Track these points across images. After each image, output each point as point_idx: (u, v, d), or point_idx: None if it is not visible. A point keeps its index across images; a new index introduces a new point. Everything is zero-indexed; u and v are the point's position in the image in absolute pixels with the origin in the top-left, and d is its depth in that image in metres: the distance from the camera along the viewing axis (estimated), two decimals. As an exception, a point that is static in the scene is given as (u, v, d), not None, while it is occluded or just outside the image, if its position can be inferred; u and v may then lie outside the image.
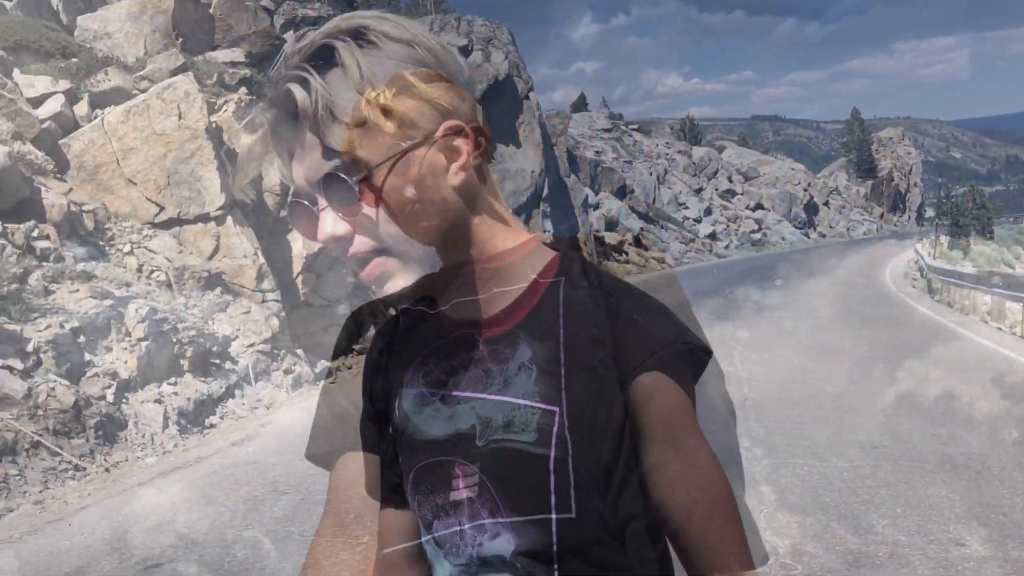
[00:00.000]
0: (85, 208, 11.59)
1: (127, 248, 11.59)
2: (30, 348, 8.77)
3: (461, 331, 1.08)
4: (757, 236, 67.98)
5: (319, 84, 0.94)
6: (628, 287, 1.07)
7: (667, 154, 70.74)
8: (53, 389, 8.51)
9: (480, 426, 1.04)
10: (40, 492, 7.24)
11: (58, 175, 11.96)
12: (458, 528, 1.07)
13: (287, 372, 11.79)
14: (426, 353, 1.11)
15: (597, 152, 55.09)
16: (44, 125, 12.07)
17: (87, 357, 9.29)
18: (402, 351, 1.15)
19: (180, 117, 11.94)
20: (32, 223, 10.52)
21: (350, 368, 1.94)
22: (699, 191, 67.63)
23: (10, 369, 8.48)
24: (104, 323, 9.69)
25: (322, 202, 0.96)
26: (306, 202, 0.98)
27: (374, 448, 1.20)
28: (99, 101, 12.75)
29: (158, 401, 9.50)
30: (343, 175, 0.94)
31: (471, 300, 1.06)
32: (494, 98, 27.19)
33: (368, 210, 0.96)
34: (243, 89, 14.60)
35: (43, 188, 11.15)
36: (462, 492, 1.06)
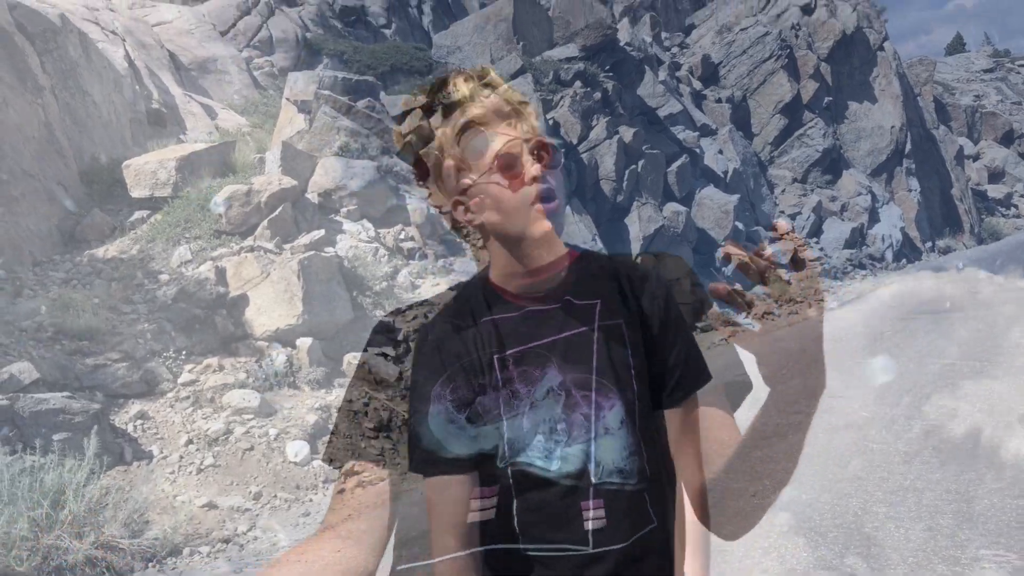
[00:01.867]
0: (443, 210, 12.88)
1: (480, 243, 12.70)
2: (400, 337, 9.99)
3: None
4: None
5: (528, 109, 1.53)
6: None
7: (1068, 88, 61.42)
8: (418, 373, 9.65)
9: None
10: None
11: (421, 182, 13.38)
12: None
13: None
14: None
15: (976, 96, 49.41)
16: (407, 138, 13.55)
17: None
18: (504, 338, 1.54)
19: (518, 117, 12.81)
20: (399, 227, 11.93)
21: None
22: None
23: (384, 356, 9.75)
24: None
25: (529, 158, 1.46)
26: (515, 154, 1.47)
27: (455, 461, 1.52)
28: (449, 110, 14.03)
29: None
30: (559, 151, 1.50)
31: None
32: (842, 55, 25.60)
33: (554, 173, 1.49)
34: (578, 83, 15.23)
35: (407, 195, 12.57)
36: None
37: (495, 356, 1.51)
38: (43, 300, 9.36)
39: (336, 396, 9.25)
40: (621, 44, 18.46)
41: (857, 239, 22.96)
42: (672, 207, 16.50)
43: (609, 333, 1.52)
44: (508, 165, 1.46)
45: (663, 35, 25.15)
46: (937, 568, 4.54)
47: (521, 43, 16.55)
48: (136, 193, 11.56)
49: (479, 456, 1.51)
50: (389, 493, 1.79)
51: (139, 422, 8.02)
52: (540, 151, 1.47)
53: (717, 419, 1.71)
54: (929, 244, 26.01)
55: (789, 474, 1.67)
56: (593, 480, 1.49)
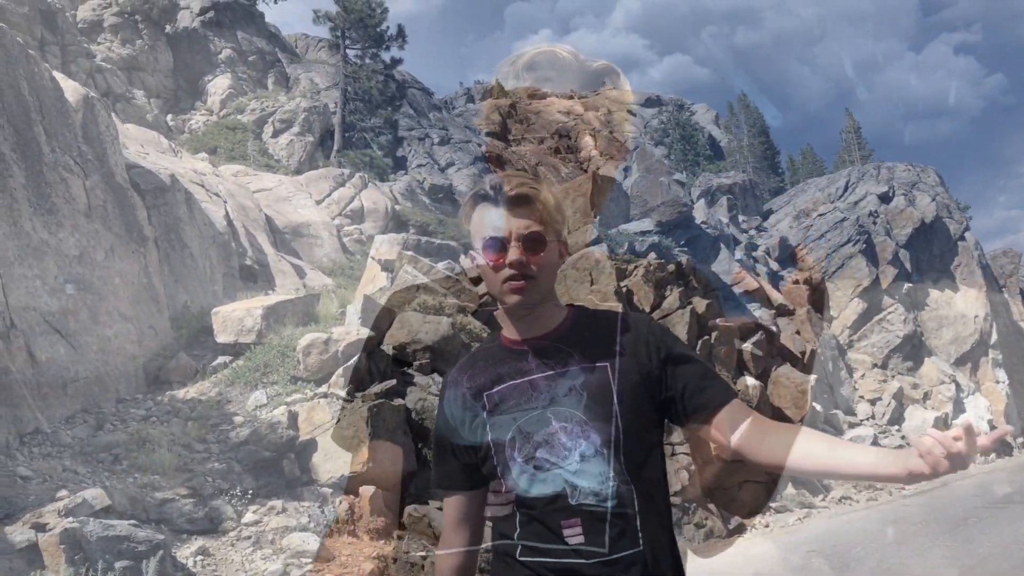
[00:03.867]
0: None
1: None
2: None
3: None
4: None
5: (548, 192, 1.90)
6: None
7: None
8: (479, 528, 9.49)
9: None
10: None
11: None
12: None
13: (698, 526, 11.84)
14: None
15: (1068, 293, 48.40)
16: (483, 298, 13.95)
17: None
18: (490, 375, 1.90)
19: (592, 283, 13.11)
20: (470, 384, 12.07)
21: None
22: None
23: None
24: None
25: (515, 243, 1.81)
26: (504, 240, 1.81)
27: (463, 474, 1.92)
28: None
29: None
30: (544, 236, 1.85)
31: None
32: (923, 243, 25.64)
33: (545, 255, 1.84)
34: (652, 254, 15.56)
35: (480, 354, 12.78)
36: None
37: (485, 393, 1.84)
38: (122, 434, 9.67)
39: (394, 547, 9.16)
40: (697, 222, 18.92)
41: (941, 428, 22.11)
42: (747, 380, 16.30)
43: (595, 374, 1.79)
44: (492, 248, 1.82)
45: (740, 218, 25.68)
46: None
47: (598, 217, 17.11)
48: (222, 339, 12.06)
49: (480, 478, 1.87)
50: None
51: (199, 557, 8.05)
52: (533, 241, 1.80)
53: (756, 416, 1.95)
54: (1020, 439, 24.89)
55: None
56: (571, 502, 1.73)
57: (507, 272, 1.80)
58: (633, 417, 1.76)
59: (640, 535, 1.73)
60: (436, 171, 31.03)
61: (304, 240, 20.71)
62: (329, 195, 24.31)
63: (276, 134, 29.70)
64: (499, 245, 1.81)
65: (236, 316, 12.14)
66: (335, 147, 29.80)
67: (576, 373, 1.79)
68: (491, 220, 1.82)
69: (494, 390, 1.83)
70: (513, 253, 1.79)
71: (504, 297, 1.83)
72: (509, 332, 1.91)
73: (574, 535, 1.74)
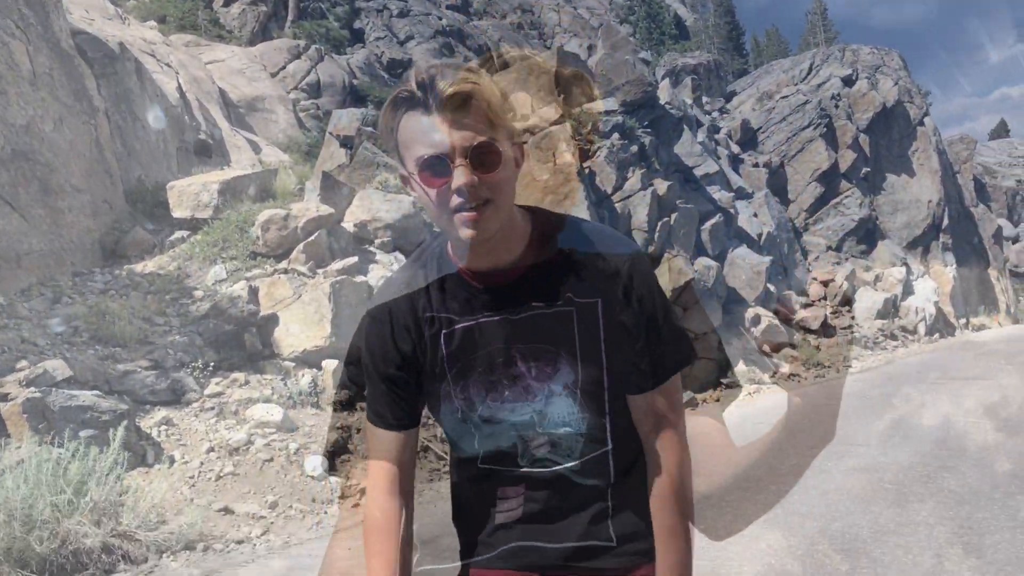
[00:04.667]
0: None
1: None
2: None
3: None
4: None
5: (491, 83, 1.42)
6: None
7: (1111, 178, 60.91)
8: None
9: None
10: (429, 480, 8.27)
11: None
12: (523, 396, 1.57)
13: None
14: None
15: (1019, 180, 49.23)
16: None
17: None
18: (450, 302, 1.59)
19: (554, 163, 13.03)
20: (431, 261, 12.09)
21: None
22: None
23: (407, 383, 9.83)
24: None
25: (460, 161, 1.38)
26: (445, 158, 1.38)
27: (398, 408, 1.62)
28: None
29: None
30: (496, 145, 1.41)
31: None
32: (883, 127, 25.74)
33: (500, 173, 1.42)
34: (615, 135, 15.46)
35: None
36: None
37: (442, 331, 1.55)
38: (81, 307, 9.59)
39: (357, 417, 9.33)
40: (661, 102, 18.74)
41: (890, 310, 22.80)
42: (704, 262, 16.54)
43: (561, 313, 1.52)
44: (430, 168, 1.39)
45: (704, 99, 25.49)
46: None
47: (562, 96, 16.87)
48: (178, 213, 11.87)
49: (416, 419, 1.62)
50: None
51: (163, 427, 8.14)
52: (484, 155, 1.39)
53: (713, 428, 1.78)
54: (963, 320, 25.74)
55: (788, 487, 1.72)
56: (539, 430, 1.55)
57: (455, 200, 1.39)
58: (616, 362, 1.52)
59: (612, 468, 1.58)
60: (395, 45, 30.18)
61: (259, 115, 20.21)
62: (284, 68, 23.60)
63: (228, 3, 28.52)
64: (440, 165, 1.38)
65: (192, 191, 11.92)
66: (289, 17, 28.75)
67: (543, 313, 1.52)
68: (424, 132, 1.38)
69: (455, 328, 1.55)
70: (460, 176, 1.37)
71: (455, 231, 1.43)
72: (462, 259, 1.53)
73: (540, 445, 1.56)
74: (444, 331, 1.55)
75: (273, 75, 22.83)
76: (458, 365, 1.55)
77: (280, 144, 18.83)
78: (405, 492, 1.63)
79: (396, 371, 1.58)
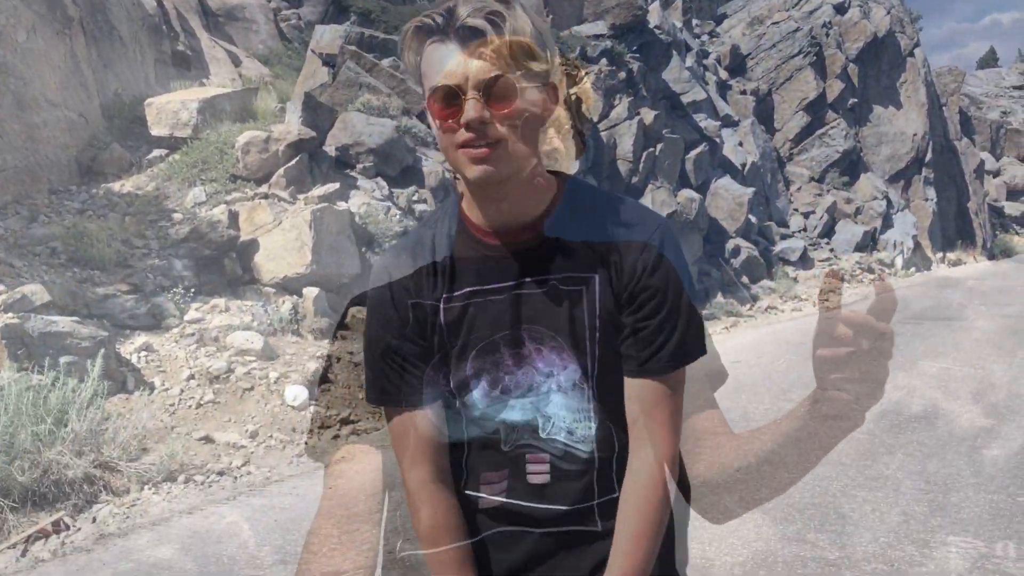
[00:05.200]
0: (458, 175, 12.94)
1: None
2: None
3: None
4: None
5: (524, 18, 1.32)
6: None
7: (1095, 112, 60.88)
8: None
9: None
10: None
11: (437, 146, 13.43)
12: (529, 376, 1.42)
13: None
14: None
15: (1003, 112, 49.12)
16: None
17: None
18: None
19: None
20: (413, 188, 12.00)
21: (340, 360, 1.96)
22: None
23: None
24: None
25: (472, 93, 1.27)
26: (457, 90, 1.28)
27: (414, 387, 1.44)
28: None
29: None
30: (513, 80, 1.29)
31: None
32: (872, 57, 25.47)
33: (514, 113, 1.30)
34: (603, 60, 15.22)
35: (424, 157, 12.63)
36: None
37: (442, 300, 1.42)
38: (58, 227, 9.48)
39: (338, 346, 9.37)
40: (650, 26, 18.41)
41: (868, 243, 22.96)
42: (687, 193, 16.50)
43: (572, 291, 1.38)
44: (441, 100, 1.30)
45: (694, 22, 25.05)
46: (906, 549, 4.65)
47: (551, 16, 16.52)
48: (156, 131, 11.65)
49: (436, 396, 1.44)
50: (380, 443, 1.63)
51: (144, 353, 8.14)
52: (499, 89, 1.28)
53: (715, 420, 1.60)
54: (940, 255, 25.98)
55: (793, 484, 1.51)
56: (541, 435, 1.41)
57: (463, 135, 1.29)
58: (609, 349, 1.39)
59: (615, 481, 1.43)
60: (380, -47, 29.30)
61: (238, 24, 19.65)
62: (265, -25, 22.88)
63: (207, -98, 27.50)
64: (451, 97, 1.29)
65: (171, 108, 11.68)
66: (272, -79, 27.78)
67: (556, 288, 1.39)
68: (440, 61, 1.30)
69: (455, 295, 1.42)
70: (471, 109, 1.27)
71: (462, 169, 1.33)
72: (475, 215, 1.42)
73: (539, 472, 1.43)
74: (444, 299, 1.41)
75: (254, -18, 22.15)
76: (455, 342, 1.41)
77: (260, 56, 18.38)
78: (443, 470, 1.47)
79: (398, 341, 1.43)
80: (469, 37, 1.27)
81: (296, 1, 23.00)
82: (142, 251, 9.59)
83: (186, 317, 8.91)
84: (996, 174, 38.16)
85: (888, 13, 26.02)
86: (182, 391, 7.84)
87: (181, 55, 15.58)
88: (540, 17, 1.41)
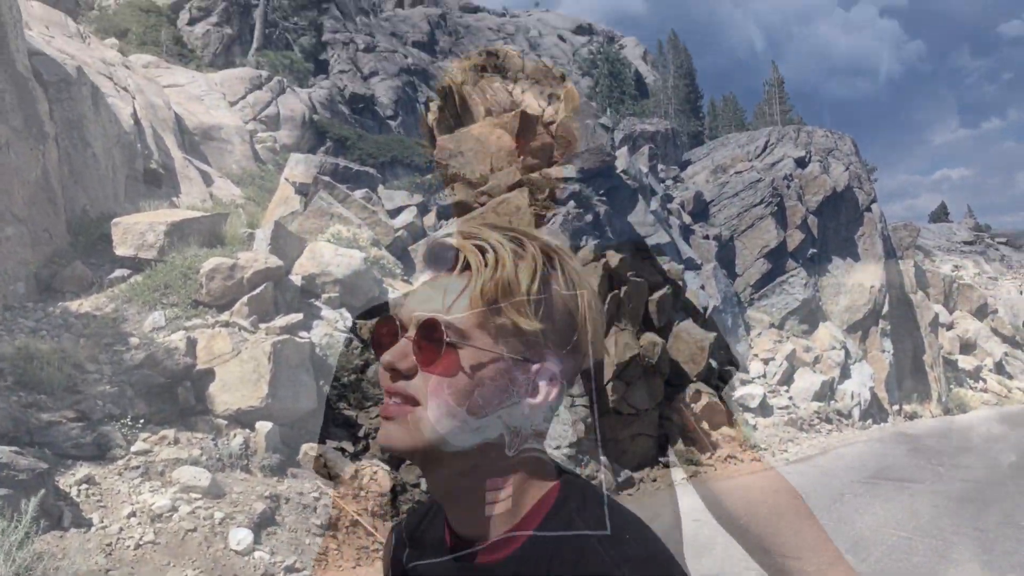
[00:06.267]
0: (423, 309, 12.92)
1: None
2: (361, 433, 9.85)
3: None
4: None
5: (502, 261, 1.00)
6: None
7: (1041, 270, 63.07)
8: (376, 473, 9.47)
9: None
10: (353, 568, 8.04)
11: (404, 278, 13.46)
12: None
13: (590, 478, 12.09)
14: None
15: (955, 267, 50.76)
16: (398, 233, 13.71)
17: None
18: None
19: (510, 230, 13.00)
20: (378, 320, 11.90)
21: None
22: (1081, 313, 59.33)
23: (342, 451, 9.59)
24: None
25: (412, 334, 0.99)
26: (400, 321, 1.02)
27: None
28: (444, 213, 14.26)
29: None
30: (450, 333, 0.98)
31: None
32: (831, 210, 26.30)
33: (443, 371, 0.98)
34: (572, 203, 15.51)
35: (390, 289, 12.60)
36: None
37: None
38: (8, 347, 9.21)
39: (288, 486, 9.06)
40: (618, 171, 18.90)
41: (827, 392, 23.11)
42: (649, 337, 16.59)
43: None
44: (378, 327, 1.05)
45: (659, 167, 25.82)
46: None
47: (522, 157, 16.90)
48: (121, 251, 11.53)
49: None
50: None
51: (84, 487, 7.79)
52: (424, 339, 1.00)
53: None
54: (896, 407, 26.19)
55: None
56: None
57: (386, 378, 1.02)
58: None
59: None
60: (358, 79, 30.12)
61: (214, 144, 19.89)
62: (244, 97, 23.35)
63: (192, 22, 28.25)
64: (389, 328, 1.03)
65: (138, 229, 11.60)
66: (254, 45, 28.57)
67: None
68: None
69: None
70: (390, 353, 1.01)
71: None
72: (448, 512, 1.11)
73: None
74: None
75: (232, 104, 22.56)
76: None
77: (233, 176, 18.53)
78: None
79: None
80: (433, 263, 1.04)
81: (274, 124, 23.39)
82: (94, 376, 9.31)
83: (133, 448, 8.59)
84: (949, 327, 39.03)
85: (847, 169, 27.04)
86: (121, 529, 7.47)
87: (153, 173, 15.63)
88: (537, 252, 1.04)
